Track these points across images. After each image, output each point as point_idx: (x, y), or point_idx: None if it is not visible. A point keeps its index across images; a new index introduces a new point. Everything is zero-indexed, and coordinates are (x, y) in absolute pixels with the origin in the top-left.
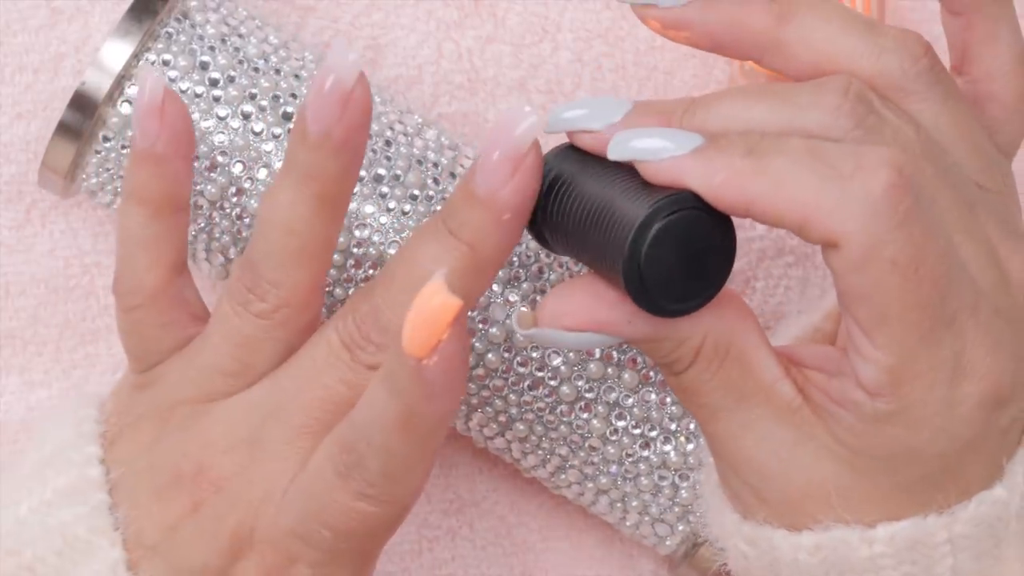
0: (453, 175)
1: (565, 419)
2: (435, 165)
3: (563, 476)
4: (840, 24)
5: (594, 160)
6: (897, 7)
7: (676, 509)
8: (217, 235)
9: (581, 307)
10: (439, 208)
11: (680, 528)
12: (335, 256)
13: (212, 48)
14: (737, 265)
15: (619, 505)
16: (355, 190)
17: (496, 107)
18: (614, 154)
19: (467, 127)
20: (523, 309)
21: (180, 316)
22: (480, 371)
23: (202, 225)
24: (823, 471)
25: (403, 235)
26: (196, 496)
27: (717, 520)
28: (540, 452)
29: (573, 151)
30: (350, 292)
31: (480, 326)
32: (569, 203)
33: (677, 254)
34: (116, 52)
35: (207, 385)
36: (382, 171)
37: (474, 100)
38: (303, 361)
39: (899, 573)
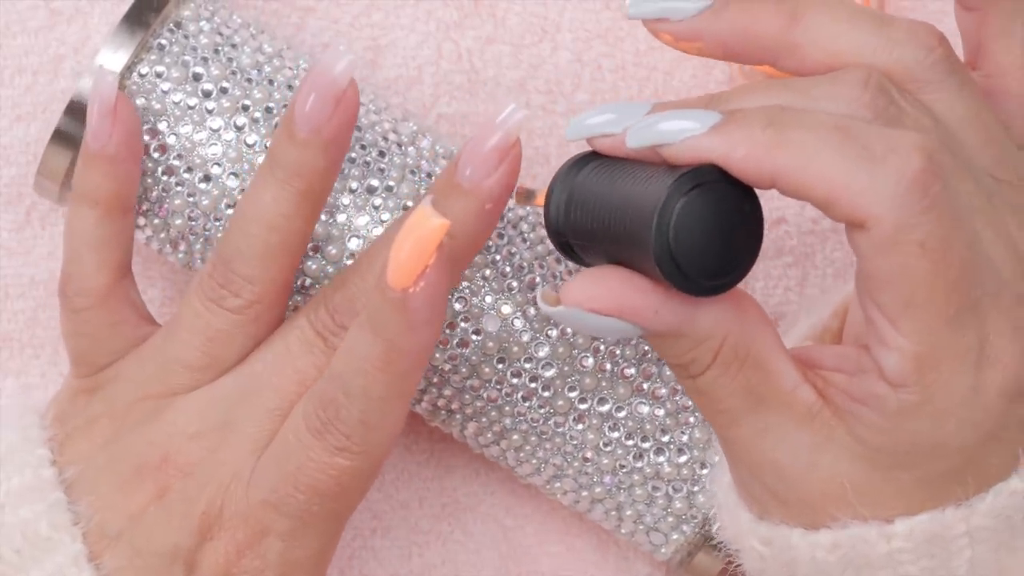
0: None
1: (559, 430)
2: (428, 175)
3: (558, 484)
4: (850, 20)
5: (611, 163)
6: (898, 7)
7: (670, 519)
8: (213, 245)
9: (609, 290)
10: None
11: (674, 537)
12: (328, 268)
13: (205, 59)
14: None
15: (614, 513)
16: (348, 202)
17: (496, 107)
18: (633, 141)
19: (467, 127)
20: (547, 288)
21: (129, 316)
22: (474, 382)
23: (196, 236)
24: (842, 471)
25: None
26: (162, 483)
27: (731, 521)
28: (535, 461)
29: (585, 161)
30: None
31: (474, 337)
32: (592, 205)
33: (705, 227)
34: (109, 63)
35: (171, 379)
36: (375, 182)
37: (474, 100)
38: (276, 348)
39: (917, 567)
